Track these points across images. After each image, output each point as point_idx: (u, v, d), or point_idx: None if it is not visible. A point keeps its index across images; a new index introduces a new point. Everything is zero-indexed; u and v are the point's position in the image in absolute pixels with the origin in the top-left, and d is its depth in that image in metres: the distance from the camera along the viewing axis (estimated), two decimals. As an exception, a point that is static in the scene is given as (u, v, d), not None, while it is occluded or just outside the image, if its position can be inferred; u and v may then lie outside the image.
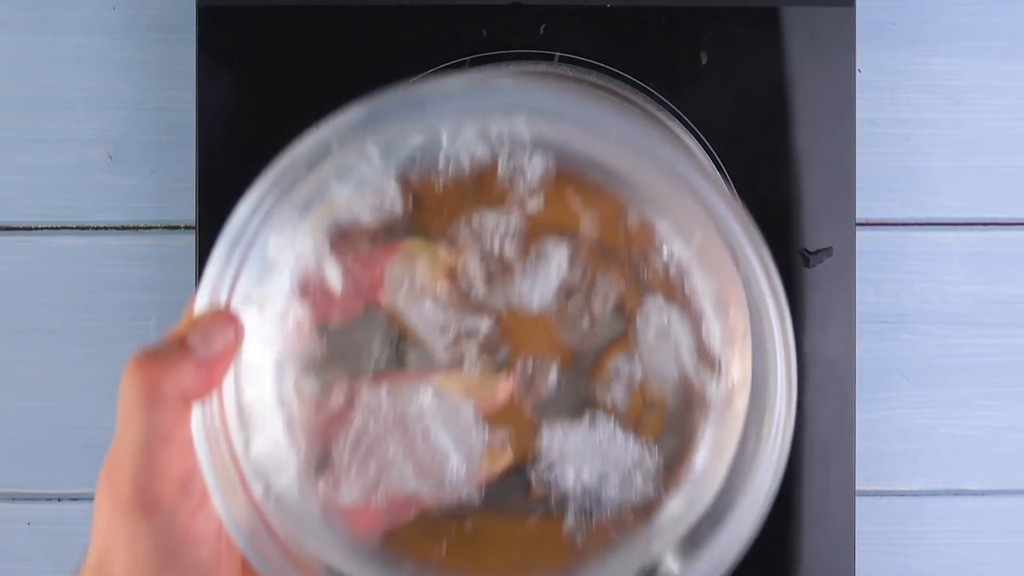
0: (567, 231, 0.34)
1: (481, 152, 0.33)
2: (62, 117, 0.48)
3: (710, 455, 0.33)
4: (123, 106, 0.48)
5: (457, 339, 0.33)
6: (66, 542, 0.48)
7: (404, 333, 0.34)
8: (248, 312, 0.31)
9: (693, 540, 0.32)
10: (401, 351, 0.34)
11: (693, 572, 0.31)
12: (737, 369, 0.33)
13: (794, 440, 0.45)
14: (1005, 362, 0.49)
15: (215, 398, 0.30)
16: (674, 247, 0.33)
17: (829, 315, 0.46)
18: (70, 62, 0.48)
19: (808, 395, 0.46)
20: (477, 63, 0.46)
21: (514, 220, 0.33)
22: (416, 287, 0.33)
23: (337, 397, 0.33)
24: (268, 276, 0.32)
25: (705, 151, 0.46)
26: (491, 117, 0.32)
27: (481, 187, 0.33)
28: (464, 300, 0.33)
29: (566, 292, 0.34)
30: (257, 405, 0.32)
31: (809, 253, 0.46)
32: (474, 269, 0.33)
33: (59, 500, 0.48)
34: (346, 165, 0.32)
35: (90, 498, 0.31)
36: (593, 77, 0.45)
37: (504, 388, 0.34)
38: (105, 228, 0.48)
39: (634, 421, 0.33)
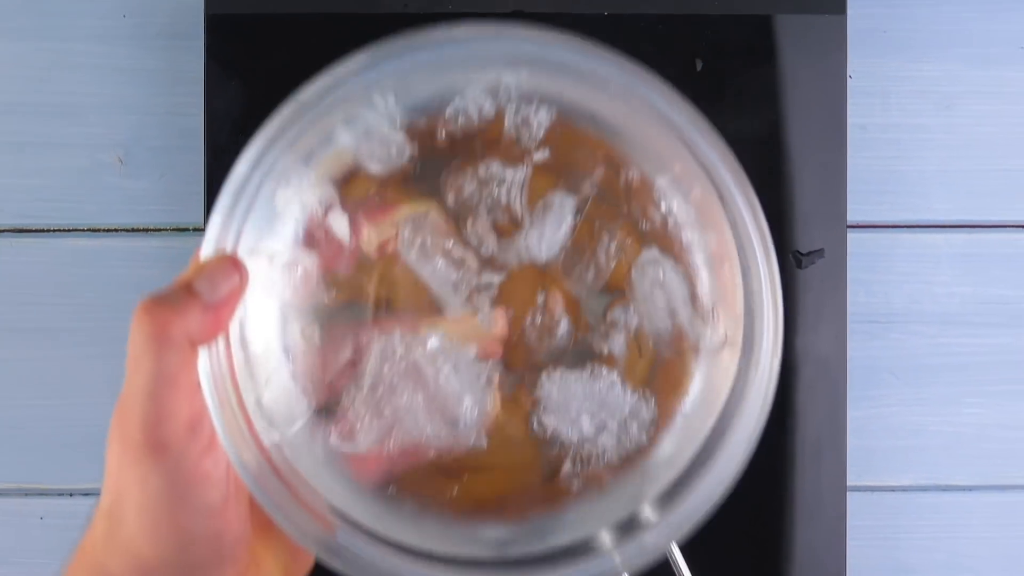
0: (572, 184, 0.34)
1: (488, 106, 0.33)
2: (74, 122, 0.48)
3: (699, 404, 0.33)
4: (133, 112, 0.49)
5: (470, 295, 0.33)
6: (78, 536, 0.47)
7: (397, 280, 0.34)
8: (254, 261, 0.31)
9: (672, 491, 0.32)
10: (392, 294, 0.34)
11: (669, 519, 0.32)
12: (728, 321, 0.33)
13: (786, 437, 0.46)
14: (992, 361, 0.49)
15: (221, 343, 0.30)
16: (672, 202, 0.33)
17: (821, 315, 0.46)
18: (82, 69, 0.48)
19: (800, 393, 0.46)
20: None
21: (521, 172, 0.33)
22: (428, 244, 0.33)
23: (343, 343, 0.33)
24: (273, 226, 0.32)
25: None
26: (496, 65, 0.32)
27: (487, 139, 0.33)
28: (473, 253, 0.33)
29: (573, 244, 0.34)
30: (263, 352, 0.32)
31: (801, 255, 0.46)
32: (482, 222, 0.33)
33: (71, 495, 0.49)
34: (353, 115, 0.32)
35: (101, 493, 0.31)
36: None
37: (497, 330, 0.34)
38: (116, 230, 0.49)
39: (629, 370, 0.34)
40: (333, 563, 0.31)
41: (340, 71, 0.31)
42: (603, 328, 0.34)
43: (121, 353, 0.48)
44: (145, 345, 0.28)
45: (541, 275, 0.34)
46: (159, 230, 0.49)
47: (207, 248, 0.31)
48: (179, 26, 0.49)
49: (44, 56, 0.49)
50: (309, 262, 0.33)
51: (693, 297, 0.34)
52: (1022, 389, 0.49)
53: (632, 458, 0.33)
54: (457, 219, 0.33)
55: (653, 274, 0.34)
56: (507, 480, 0.34)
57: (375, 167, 0.33)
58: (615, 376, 0.33)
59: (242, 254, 0.31)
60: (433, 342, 0.33)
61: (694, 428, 0.33)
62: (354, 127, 0.32)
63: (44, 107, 0.48)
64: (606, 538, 0.32)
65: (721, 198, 0.32)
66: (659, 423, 0.33)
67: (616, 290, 0.34)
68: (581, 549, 0.32)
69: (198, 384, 0.30)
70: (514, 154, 0.33)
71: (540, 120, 0.33)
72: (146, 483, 0.29)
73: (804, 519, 0.46)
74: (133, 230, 0.49)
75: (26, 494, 0.49)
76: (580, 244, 0.34)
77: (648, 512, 0.32)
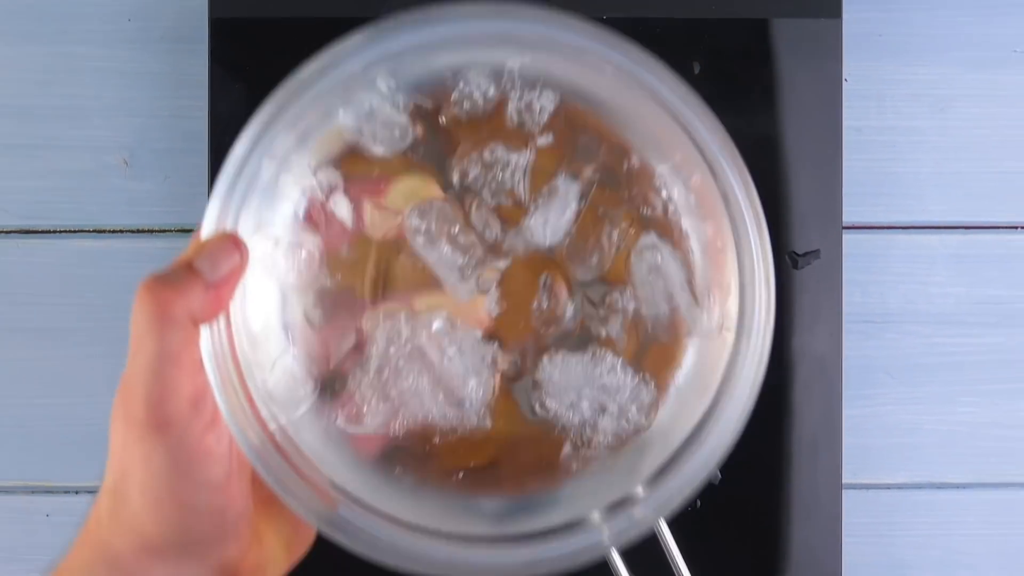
0: (576, 169, 0.34)
1: (492, 90, 0.33)
2: (80, 125, 0.49)
3: (695, 386, 0.34)
4: (138, 114, 0.49)
5: (479, 280, 0.33)
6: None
7: (393, 257, 0.34)
8: (254, 241, 0.31)
9: (661, 468, 0.33)
10: (390, 274, 0.34)
11: (658, 496, 0.32)
12: (723, 305, 0.33)
13: (783, 435, 0.47)
14: (986, 360, 0.50)
15: (222, 322, 0.31)
16: (673, 189, 0.34)
17: (817, 315, 0.47)
18: (88, 72, 0.49)
19: (797, 392, 0.46)
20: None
21: (525, 156, 0.33)
22: (433, 229, 0.33)
23: (346, 324, 0.33)
24: (273, 205, 0.32)
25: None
26: (496, 44, 0.32)
27: (492, 124, 0.33)
28: (478, 238, 0.33)
29: (577, 228, 0.34)
30: (266, 336, 0.32)
31: (798, 255, 0.47)
32: (487, 207, 0.33)
33: (76, 493, 0.49)
34: (354, 95, 0.32)
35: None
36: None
37: (486, 308, 0.34)
38: (121, 231, 0.49)
39: (628, 353, 0.34)
40: (335, 537, 0.31)
41: (338, 49, 0.31)
42: (603, 312, 0.34)
43: (125, 352, 0.48)
44: (148, 324, 0.29)
45: (545, 260, 0.34)
46: (163, 231, 0.49)
47: (207, 227, 0.31)
48: (183, 30, 0.49)
49: (51, 60, 0.49)
50: (309, 242, 0.33)
51: (690, 282, 0.34)
52: (1016, 388, 0.50)
53: (630, 439, 0.34)
54: (462, 203, 0.34)
55: (651, 259, 0.34)
56: (507, 458, 0.34)
57: (379, 149, 0.33)
58: (615, 359, 0.34)
59: (242, 233, 0.31)
60: (437, 324, 0.33)
61: (689, 409, 0.33)
62: (357, 109, 0.32)
63: (50, 110, 0.49)
64: (595, 513, 0.32)
65: (715, 177, 0.32)
66: (657, 405, 0.34)
67: (616, 274, 0.34)
68: (570, 524, 0.32)
69: (200, 362, 0.30)
70: (518, 138, 0.33)
71: (544, 104, 0.33)
72: (150, 460, 0.29)
73: (801, 516, 0.47)
74: (138, 231, 0.49)
75: (32, 491, 0.49)
76: (584, 230, 0.34)
77: (638, 488, 0.33)
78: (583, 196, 0.34)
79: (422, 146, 0.33)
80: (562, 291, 0.34)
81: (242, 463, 0.31)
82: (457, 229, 0.33)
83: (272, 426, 0.31)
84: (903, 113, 0.50)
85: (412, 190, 0.33)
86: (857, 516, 0.49)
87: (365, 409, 0.32)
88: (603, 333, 0.34)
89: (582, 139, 0.34)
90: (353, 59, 0.31)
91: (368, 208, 0.33)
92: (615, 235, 0.34)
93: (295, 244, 0.33)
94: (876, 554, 0.50)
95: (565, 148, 0.34)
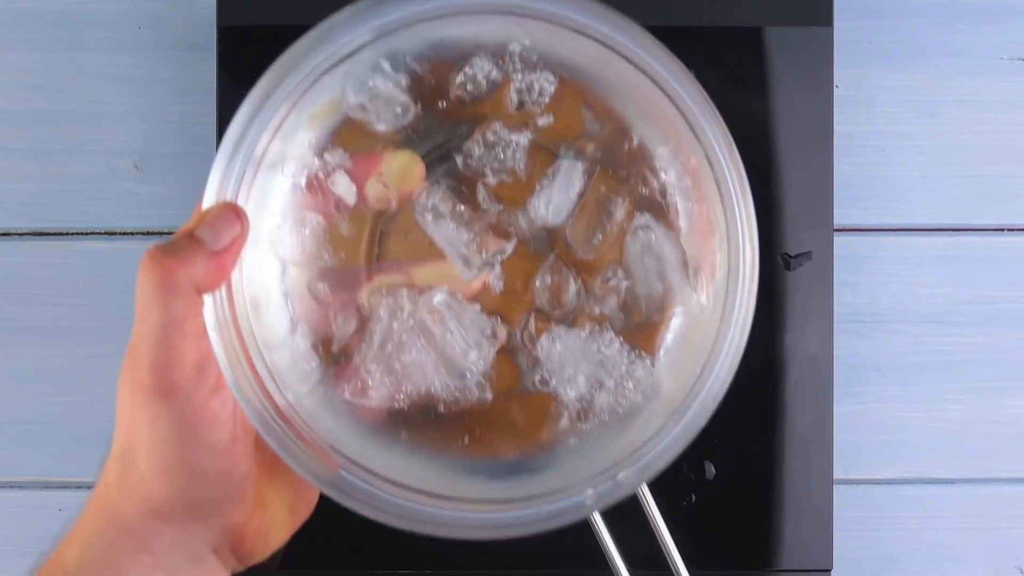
0: (578, 150, 0.34)
1: (495, 72, 0.33)
2: (91, 129, 0.49)
3: (685, 363, 0.34)
4: (148, 120, 0.49)
5: (485, 262, 0.34)
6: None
7: (388, 229, 0.34)
8: (252, 211, 0.31)
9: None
10: (385, 246, 0.34)
11: (641, 462, 0.32)
12: (710, 285, 0.34)
13: (775, 432, 0.47)
14: (973, 359, 0.50)
15: (224, 291, 0.31)
16: (669, 171, 0.34)
17: (808, 315, 0.47)
18: (99, 78, 0.49)
19: (788, 390, 0.47)
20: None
21: (526, 136, 0.34)
22: (440, 207, 0.33)
23: (348, 298, 0.33)
24: (270, 177, 0.32)
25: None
26: (496, 15, 0.32)
27: (494, 103, 0.33)
28: (483, 216, 0.34)
29: (580, 208, 0.34)
30: (266, 304, 0.33)
31: (789, 257, 0.47)
32: (490, 186, 0.34)
33: (88, 488, 0.47)
34: (354, 70, 0.32)
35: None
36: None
37: (491, 284, 0.34)
38: (132, 233, 0.49)
39: (624, 331, 0.34)
40: (338, 499, 0.31)
41: (333, 22, 0.31)
42: (600, 290, 0.35)
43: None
44: (152, 293, 0.29)
45: (547, 238, 0.34)
46: (173, 233, 0.48)
47: (208, 198, 0.31)
48: (192, 37, 0.49)
49: (63, 67, 0.49)
50: (308, 215, 0.33)
51: (682, 262, 0.34)
52: (1002, 386, 0.50)
53: (624, 411, 0.34)
54: (466, 182, 0.34)
55: (645, 239, 0.34)
56: (504, 427, 0.35)
57: (381, 126, 0.33)
58: (612, 335, 0.34)
59: (242, 204, 0.31)
60: (439, 298, 0.33)
61: (680, 381, 0.34)
62: (358, 86, 0.33)
63: (63, 115, 0.49)
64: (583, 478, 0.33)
65: (710, 164, 0.33)
66: (652, 378, 0.34)
67: (612, 253, 0.35)
68: (560, 489, 0.33)
69: (204, 329, 0.30)
70: (519, 118, 0.34)
71: (545, 85, 0.33)
72: (156, 425, 0.29)
73: (792, 511, 0.47)
74: (148, 233, 0.50)
75: (45, 487, 0.49)
76: (587, 210, 0.34)
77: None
78: (586, 176, 0.34)
79: (422, 121, 0.34)
80: (563, 269, 0.34)
81: (246, 427, 0.31)
82: (463, 208, 0.33)
83: (275, 392, 0.32)
84: (892, 118, 0.50)
85: (405, 164, 0.34)
86: (847, 511, 0.49)
87: (370, 383, 0.33)
88: (601, 310, 0.34)
89: (586, 119, 0.34)
90: (348, 31, 0.31)
91: (364, 177, 0.34)
92: (617, 215, 0.34)
93: (294, 217, 0.33)
94: (866, 548, 0.50)
95: (568, 128, 0.34)
